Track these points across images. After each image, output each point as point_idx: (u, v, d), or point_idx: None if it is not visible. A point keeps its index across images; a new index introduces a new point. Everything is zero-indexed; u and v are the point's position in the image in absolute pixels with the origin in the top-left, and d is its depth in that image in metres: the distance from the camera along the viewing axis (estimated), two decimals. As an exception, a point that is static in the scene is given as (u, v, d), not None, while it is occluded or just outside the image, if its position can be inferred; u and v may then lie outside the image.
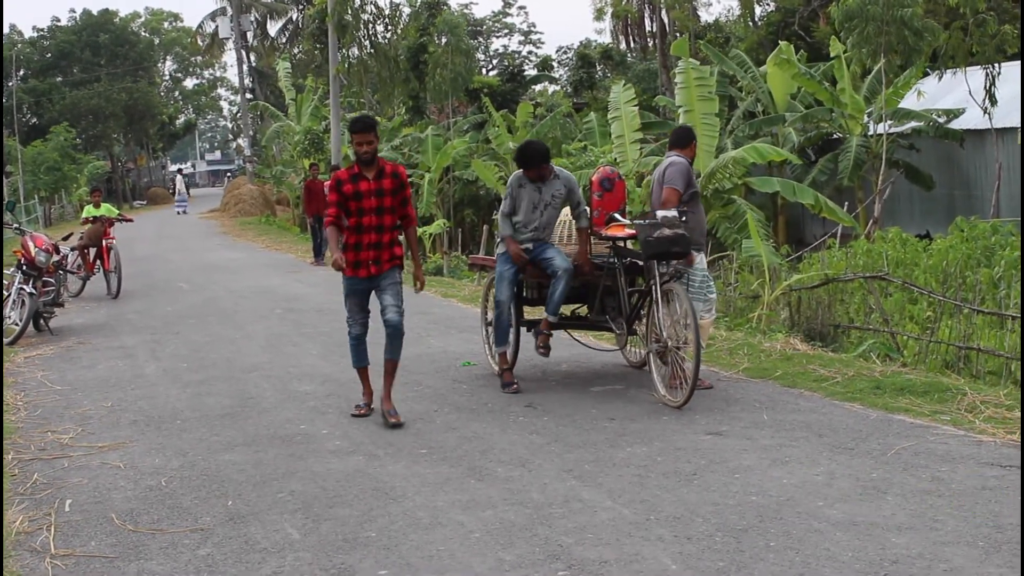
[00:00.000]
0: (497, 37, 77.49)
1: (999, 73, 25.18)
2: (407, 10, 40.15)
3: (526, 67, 65.50)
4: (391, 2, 36.55)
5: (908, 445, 7.35)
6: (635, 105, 26.41)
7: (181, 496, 6.98)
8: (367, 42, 34.44)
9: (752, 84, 31.28)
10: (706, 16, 56.82)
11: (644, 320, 9.51)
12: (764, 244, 16.83)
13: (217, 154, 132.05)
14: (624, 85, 27.34)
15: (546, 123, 37.73)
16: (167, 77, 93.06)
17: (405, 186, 9.09)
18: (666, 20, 51.38)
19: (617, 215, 10.12)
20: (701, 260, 9.94)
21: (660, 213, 9.17)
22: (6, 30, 77.49)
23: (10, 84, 65.54)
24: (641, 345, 10.07)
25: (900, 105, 27.94)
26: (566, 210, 10.35)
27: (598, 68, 58.16)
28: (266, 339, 13.83)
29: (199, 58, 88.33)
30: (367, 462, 7.61)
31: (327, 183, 25.29)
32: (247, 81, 72.44)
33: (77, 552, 6.02)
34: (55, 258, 15.46)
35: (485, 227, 26.79)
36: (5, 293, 14.85)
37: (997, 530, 5.66)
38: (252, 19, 72.16)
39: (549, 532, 5.94)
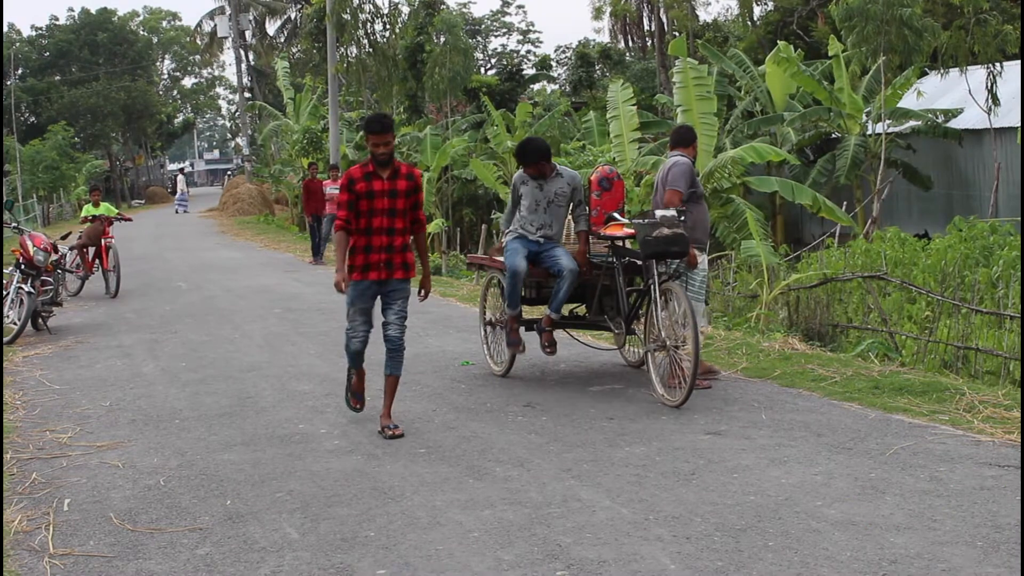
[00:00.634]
0: (495, 36, 77.54)
1: (1001, 73, 25.21)
2: (406, 9, 40.13)
3: (524, 66, 65.52)
4: (390, 1, 36.48)
5: (906, 445, 7.35)
6: (633, 104, 26.39)
7: (180, 495, 6.98)
8: (365, 41, 34.43)
9: (751, 83, 31.29)
10: (704, 15, 56.89)
11: (642, 320, 9.52)
12: (763, 244, 16.83)
13: (215, 153, 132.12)
14: (622, 84, 27.32)
15: (545, 122, 37.71)
16: (165, 76, 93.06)
17: (419, 189, 8.65)
18: (664, 19, 51.38)
19: (616, 214, 10.12)
20: (703, 261, 9.94)
21: (659, 213, 9.18)
22: (4, 29, 77.53)
23: (8, 83, 65.57)
24: (639, 345, 10.07)
25: (899, 105, 27.95)
26: None
27: (597, 67, 58.16)
28: (264, 338, 13.82)
29: (197, 57, 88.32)
30: (365, 462, 7.61)
31: (326, 182, 25.35)
32: (245, 80, 72.47)
33: (76, 551, 6.02)
34: (53, 257, 15.45)
35: (484, 226, 26.79)
36: (4, 292, 14.84)
37: (995, 530, 5.67)
38: (250, 18, 72.22)
39: (548, 532, 5.94)
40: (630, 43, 61.70)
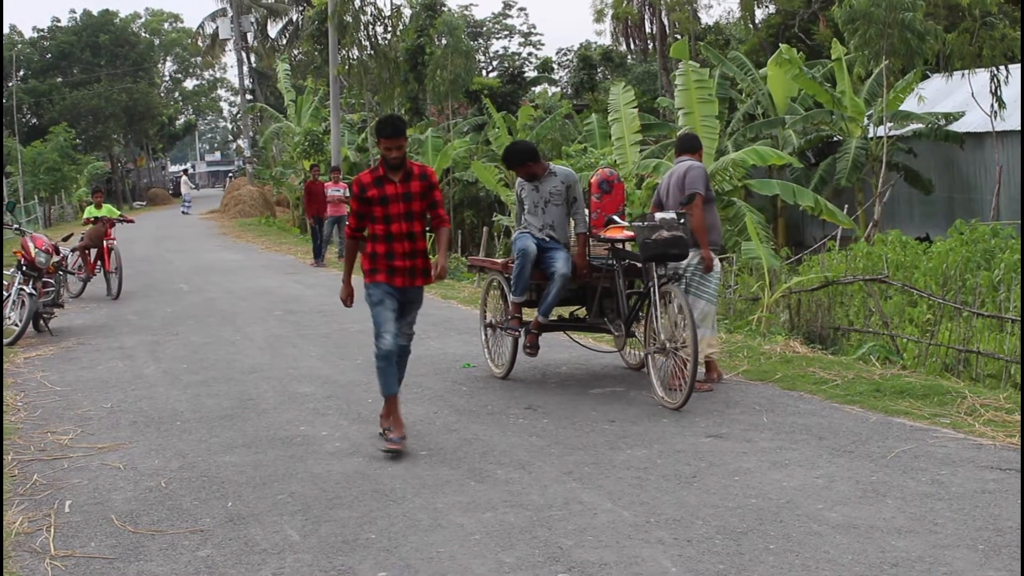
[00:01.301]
0: (497, 39, 77.52)
1: (1007, 78, 25.20)
2: (408, 11, 40.15)
3: (526, 69, 65.54)
4: (391, 3, 36.59)
5: (908, 448, 7.35)
6: (635, 107, 26.45)
7: (181, 497, 6.98)
8: (367, 43, 34.43)
9: (752, 86, 31.29)
10: (706, 18, 56.93)
11: (642, 322, 9.52)
12: (764, 246, 16.84)
13: (217, 155, 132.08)
14: (624, 87, 27.37)
15: (546, 124, 37.74)
16: (167, 78, 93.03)
17: (435, 187, 8.30)
18: (666, 22, 51.41)
19: (616, 217, 10.13)
20: (717, 265, 9.92)
21: (658, 215, 9.18)
22: (6, 30, 77.57)
23: (10, 84, 65.55)
24: (640, 347, 10.07)
25: (900, 108, 27.95)
26: None
27: (598, 70, 58.18)
28: (266, 340, 13.82)
29: (199, 59, 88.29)
30: (367, 464, 7.61)
31: (327, 184, 25.31)
32: (247, 82, 72.49)
33: (77, 553, 6.02)
34: (55, 259, 15.46)
35: (485, 228, 26.80)
36: (5, 294, 14.85)
37: (997, 533, 5.67)
38: (252, 20, 72.19)
39: (549, 534, 5.94)
40: (632, 46, 61.69)
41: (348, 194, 26.72)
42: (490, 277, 11.07)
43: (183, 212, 57.67)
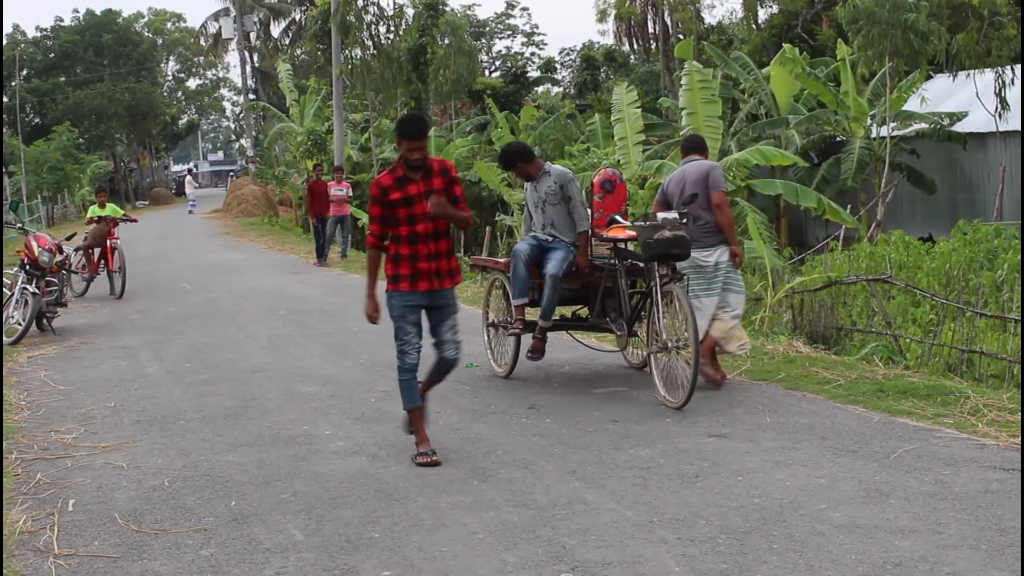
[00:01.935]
0: (500, 38, 77.58)
1: (1013, 79, 25.19)
2: (410, 11, 40.19)
3: (529, 69, 65.58)
4: (394, 3, 36.56)
5: (911, 448, 7.35)
6: (638, 107, 26.45)
7: (184, 496, 6.99)
8: (370, 43, 34.46)
9: (755, 86, 31.28)
10: (709, 18, 56.90)
11: (644, 321, 9.51)
12: (767, 246, 16.82)
13: (220, 154, 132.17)
14: (627, 87, 27.38)
15: (549, 124, 37.76)
16: (170, 77, 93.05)
17: (456, 182, 7.91)
18: (669, 22, 51.43)
19: (618, 217, 10.14)
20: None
21: (661, 215, 9.18)
22: (8, 29, 77.67)
23: (13, 84, 65.63)
24: (642, 346, 10.07)
25: (903, 108, 27.93)
26: None
27: (601, 70, 58.21)
28: (269, 340, 13.83)
29: (202, 58, 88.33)
30: (370, 463, 7.62)
31: (330, 183, 25.27)
32: (250, 82, 72.48)
33: (80, 552, 6.03)
34: (58, 258, 15.47)
35: (488, 228, 26.81)
36: (8, 293, 14.87)
37: (1000, 533, 5.67)
38: (255, 20, 72.19)
39: (552, 534, 5.95)
40: (634, 46, 61.70)
41: (351, 194, 26.80)
42: (493, 277, 11.07)
43: (190, 211, 57.43)
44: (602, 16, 59.26)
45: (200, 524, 6.40)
